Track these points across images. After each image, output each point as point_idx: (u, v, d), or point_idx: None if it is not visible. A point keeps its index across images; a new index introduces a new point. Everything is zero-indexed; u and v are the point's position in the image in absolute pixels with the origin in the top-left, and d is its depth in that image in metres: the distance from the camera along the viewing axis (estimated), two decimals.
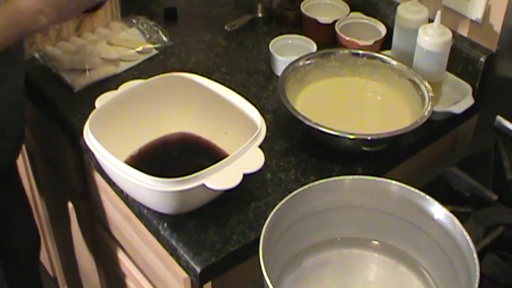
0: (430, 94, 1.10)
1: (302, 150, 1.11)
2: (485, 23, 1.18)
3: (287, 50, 1.28)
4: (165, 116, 1.11)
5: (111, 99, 1.05)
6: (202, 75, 1.10)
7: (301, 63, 1.18)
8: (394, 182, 0.88)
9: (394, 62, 1.18)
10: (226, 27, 1.39)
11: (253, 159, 0.95)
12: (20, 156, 1.44)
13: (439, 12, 1.11)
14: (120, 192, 1.05)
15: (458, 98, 1.19)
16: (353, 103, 1.19)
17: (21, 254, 1.39)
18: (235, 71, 1.29)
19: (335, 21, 1.32)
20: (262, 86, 1.25)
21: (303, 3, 1.38)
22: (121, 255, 1.25)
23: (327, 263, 0.90)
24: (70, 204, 1.38)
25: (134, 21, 1.38)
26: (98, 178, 1.15)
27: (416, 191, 0.87)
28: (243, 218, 0.99)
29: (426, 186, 0.92)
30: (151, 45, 1.32)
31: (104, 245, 1.33)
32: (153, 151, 1.09)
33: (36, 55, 1.27)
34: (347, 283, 0.89)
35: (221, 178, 0.91)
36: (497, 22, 1.16)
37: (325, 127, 1.04)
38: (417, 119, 1.06)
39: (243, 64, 1.31)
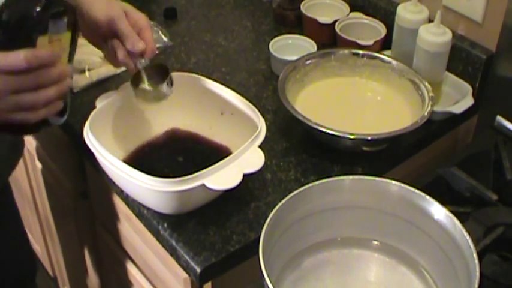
0: (430, 94, 1.10)
1: (302, 150, 1.11)
2: (485, 23, 1.18)
3: (287, 50, 1.28)
4: (165, 116, 1.11)
5: (111, 99, 1.04)
6: (202, 75, 1.10)
7: (301, 63, 1.18)
8: (394, 182, 0.88)
9: (394, 62, 1.18)
10: None
11: (253, 159, 0.95)
12: None
13: (439, 12, 1.11)
14: (120, 192, 1.04)
15: (458, 98, 1.19)
16: (353, 103, 1.19)
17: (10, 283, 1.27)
18: (235, 71, 1.29)
19: (335, 21, 1.32)
20: (262, 86, 1.25)
21: (303, 3, 1.38)
22: (121, 255, 1.25)
23: (327, 263, 0.90)
24: (70, 204, 1.38)
25: None
26: (98, 178, 1.15)
27: (416, 191, 0.87)
28: (243, 218, 0.99)
29: (426, 186, 0.92)
30: None
31: (104, 245, 1.33)
32: (153, 151, 1.09)
33: None
34: (347, 283, 0.89)
35: (221, 178, 0.91)
36: (497, 22, 1.16)
37: (325, 127, 1.04)
38: (417, 119, 1.06)
39: (243, 64, 1.31)
